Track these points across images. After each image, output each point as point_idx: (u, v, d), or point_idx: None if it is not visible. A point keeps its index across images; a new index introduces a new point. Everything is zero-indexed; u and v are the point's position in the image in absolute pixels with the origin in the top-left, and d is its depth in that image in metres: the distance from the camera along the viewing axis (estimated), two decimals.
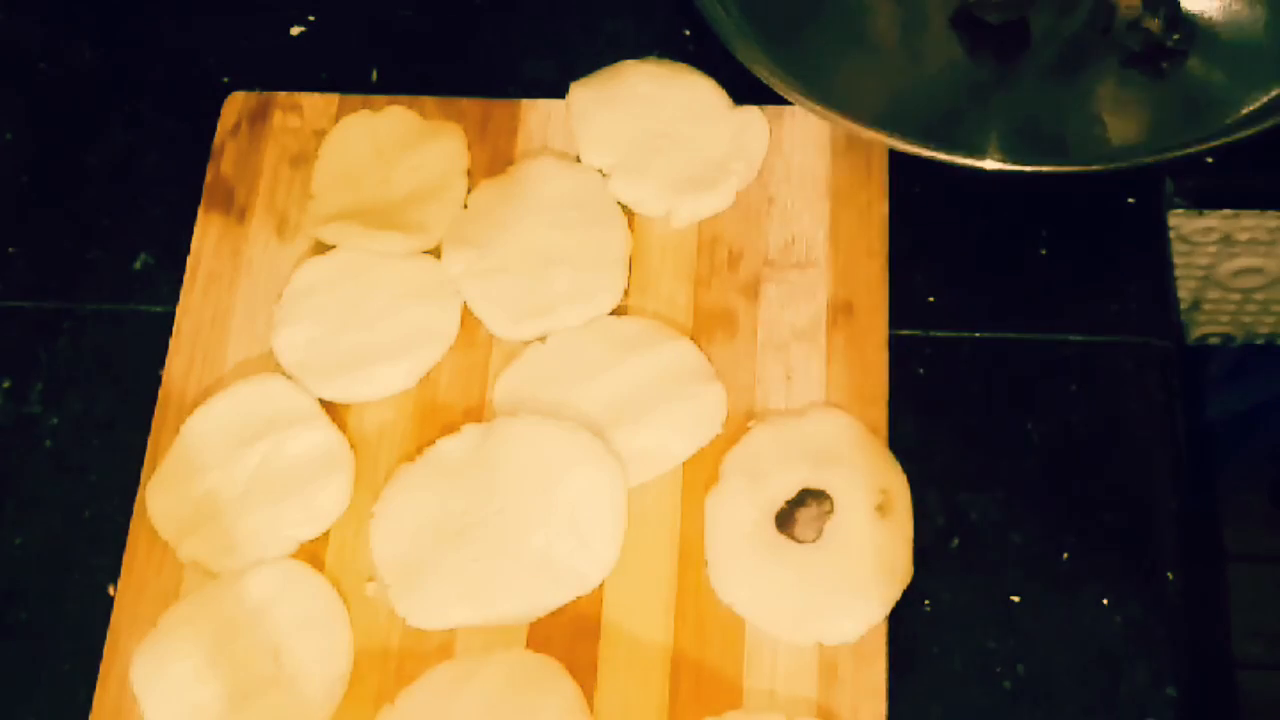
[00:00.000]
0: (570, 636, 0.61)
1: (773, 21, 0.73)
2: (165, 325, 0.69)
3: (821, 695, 0.59)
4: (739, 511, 0.62)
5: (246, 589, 0.62)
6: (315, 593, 0.62)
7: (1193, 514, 0.65)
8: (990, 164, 0.67)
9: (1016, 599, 0.61)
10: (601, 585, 0.62)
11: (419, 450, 0.65)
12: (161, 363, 0.68)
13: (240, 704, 0.60)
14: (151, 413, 0.67)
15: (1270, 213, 0.71)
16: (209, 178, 0.72)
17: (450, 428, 0.65)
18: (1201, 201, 0.71)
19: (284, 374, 0.67)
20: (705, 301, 0.68)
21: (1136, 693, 0.60)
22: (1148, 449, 0.64)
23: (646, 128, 0.71)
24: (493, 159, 0.72)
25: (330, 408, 0.66)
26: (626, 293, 0.68)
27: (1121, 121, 0.73)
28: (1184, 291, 0.77)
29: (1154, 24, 0.71)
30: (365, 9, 0.78)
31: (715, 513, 0.62)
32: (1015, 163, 0.68)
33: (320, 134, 0.73)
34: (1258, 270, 0.76)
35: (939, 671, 0.60)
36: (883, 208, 0.69)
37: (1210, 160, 0.70)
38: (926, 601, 0.61)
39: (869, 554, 0.61)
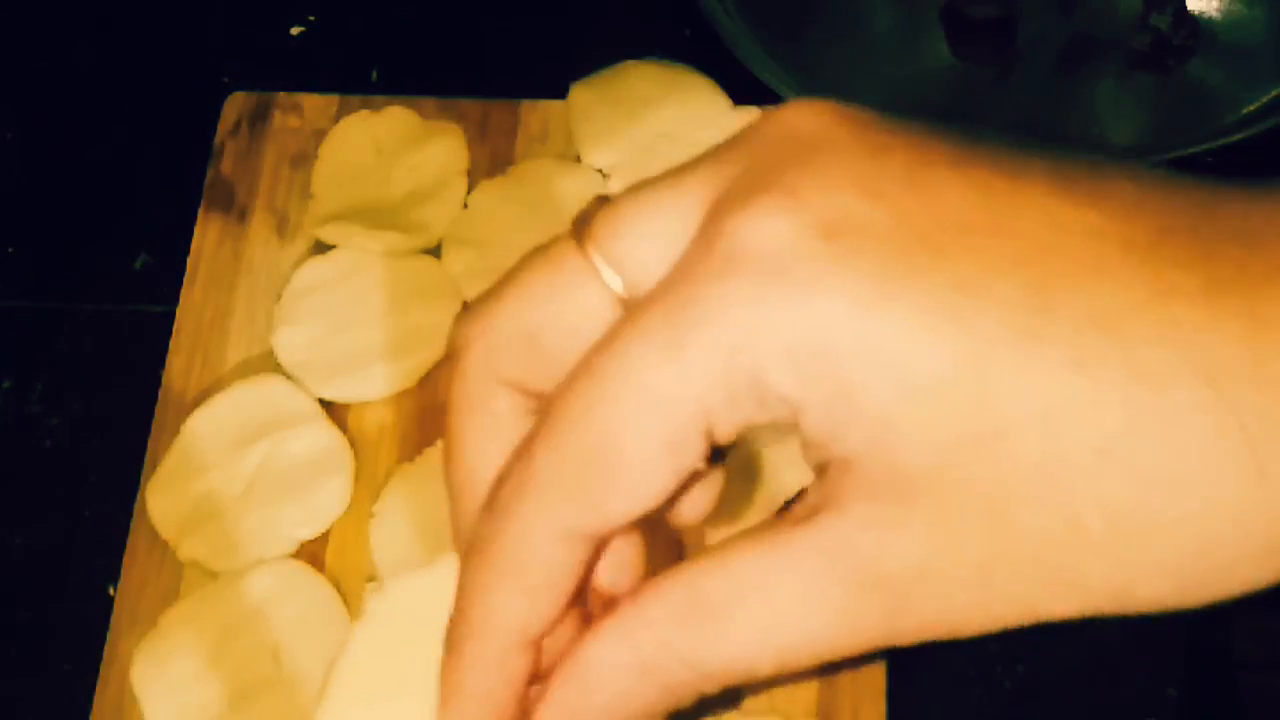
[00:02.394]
0: None
1: (773, 21, 0.73)
2: (165, 325, 0.69)
3: (821, 695, 0.59)
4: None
5: (246, 589, 0.62)
6: (315, 593, 0.62)
7: None
8: None
9: None
10: None
11: (419, 450, 0.65)
12: (161, 363, 0.68)
13: (240, 704, 0.60)
14: (151, 413, 0.66)
15: None
16: (209, 178, 0.72)
17: None
18: None
19: (284, 374, 0.67)
20: None
21: (1136, 693, 0.59)
22: None
23: (646, 128, 0.71)
24: (493, 159, 0.72)
25: (330, 408, 0.66)
26: None
27: (1121, 121, 0.73)
28: None
29: (1162, 22, 0.71)
30: (365, 9, 0.78)
31: (715, 512, 0.62)
32: None
33: (320, 134, 0.73)
34: None
35: (939, 671, 0.60)
36: None
37: (1210, 160, 0.70)
38: None
39: None
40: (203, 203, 0.72)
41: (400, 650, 0.59)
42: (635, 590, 0.34)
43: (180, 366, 0.68)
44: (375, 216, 0.70)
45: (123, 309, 0.71)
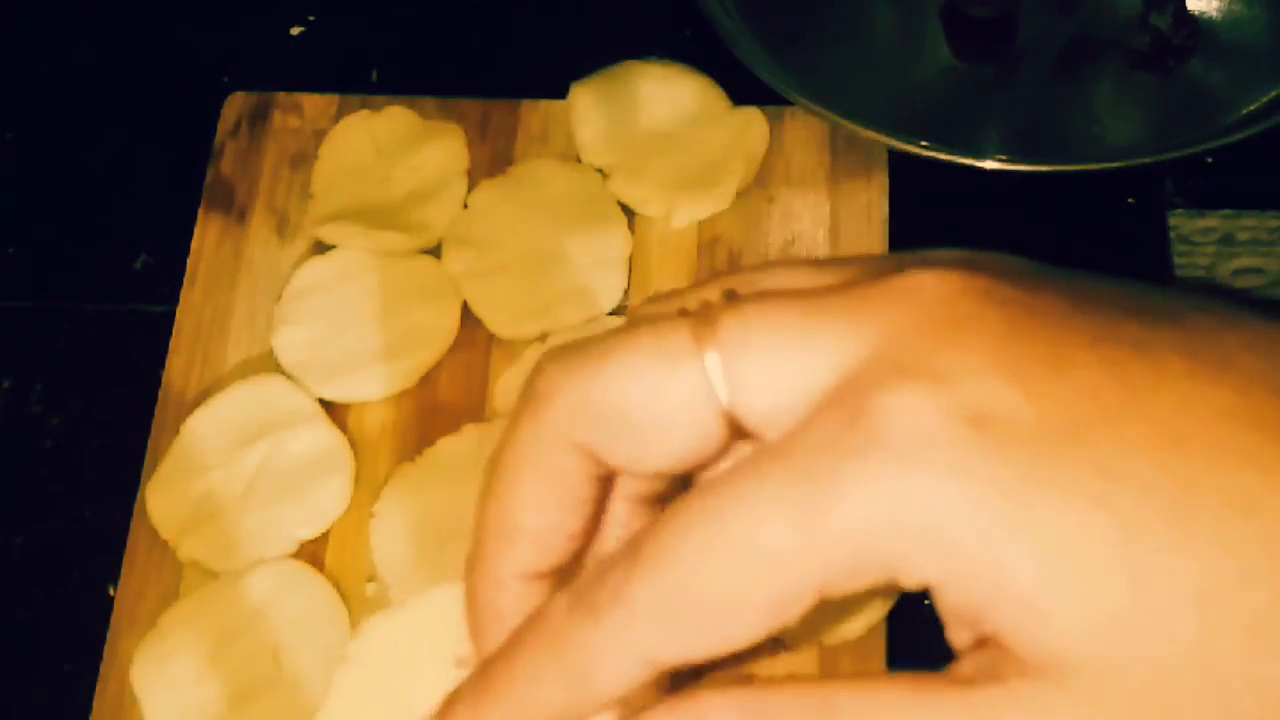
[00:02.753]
0: None
1: (773, 21, 0.73)
2: (165, 325, 0.69)
3: None
4: None
5: (246, 589, 0.62)
6: (315, 593, 0.62)
7: None
8: (990, 164, 0.67)
9: None
10: None
11: (419, 450, 0.65)
12: (161, 363, 0.68)
13: (240, 704, 0.60)
14: (151, 413, 0.67)
15: (1270, 213, 0.71)
16: (209, 178, 0.72)
17: (450, 428, 0.65)
18: (1201, 201, 0.71)
19: (284, 374, 0.67)
20: None
21: None
22: None
23: (646, 128, 0.71)
24: (493, 159, 0.72)
25: (330, 408, 0.66)
26: (626, 293, 0.68)
27: (1121, 121, 0.73)
28: None
29: (1162, 22, 0.71)
30: (365, 9, 0.78)
31: None
32: (1015, 163, 0.68)
33: (320, 134, 0.73)
34: (1258, 270, 0.76)
35: (939, 671, 0.60)
36: (883, 208, 0.69)
37: (1210, 160, 0.70)
38: (926, 601, 0.61)
39: None
40: (203, 203, 0.72)
41: (383, 690, 0.59)
42: (764, 680, 0.34)
43: (180, 366, 0.68)
44: (375, 216, 0.70)
45: (123, 309, 0.71)
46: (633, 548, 0.34)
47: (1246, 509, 0.31)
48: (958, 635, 0.34)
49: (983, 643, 0.33)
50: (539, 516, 0.38)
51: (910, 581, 0.33)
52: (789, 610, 0.33)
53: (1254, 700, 0.31)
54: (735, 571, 0.33)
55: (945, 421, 0.32)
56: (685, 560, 0.33)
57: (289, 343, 0.67)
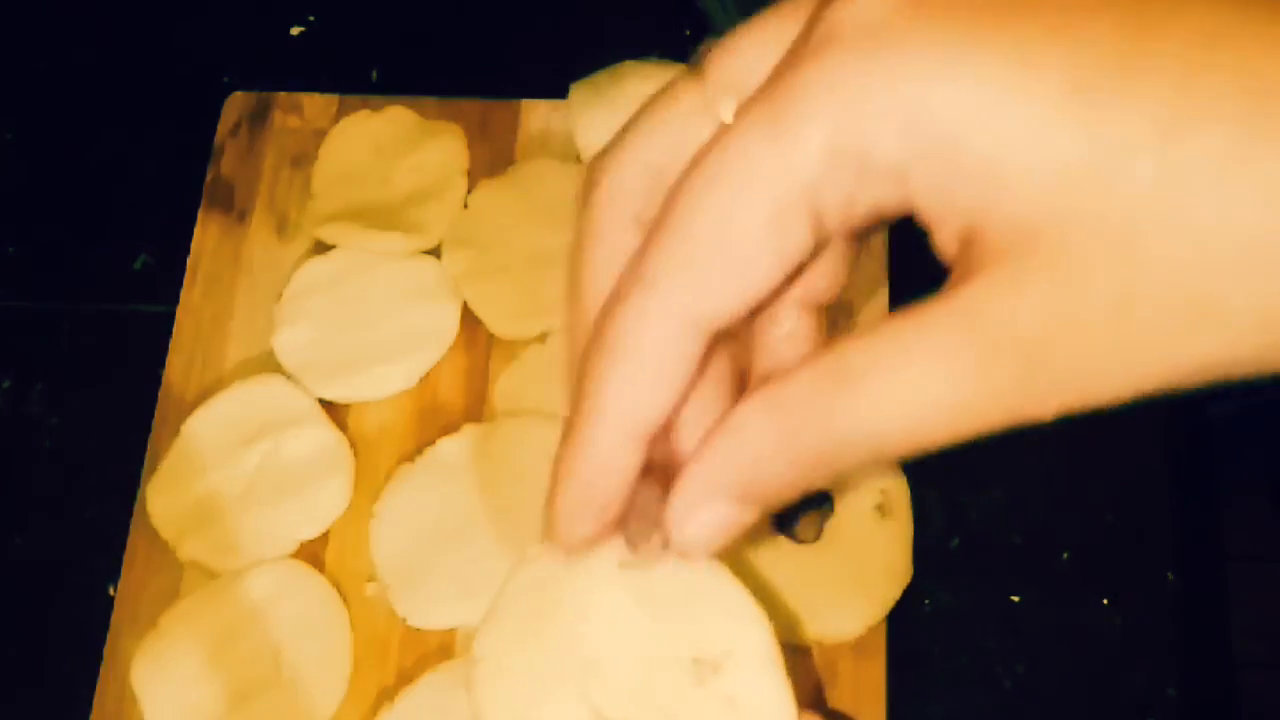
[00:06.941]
0: None
1: None
2: (165, 325, 0.69)
3: (821, 694, 0.59)
4: None
5: (246, 589, 0.62)
6: (315, 593, 0.62)
7: (1193, 514, 0.65)
8: None
9: (1016, 599, 0.61)
10: None
11: (419, 450, 0.65)
12: (161, 363, 0.68)
13: (240, 704, 0.60)
14: (151, 413, 0.67)
15: None
16: (209, 178, 0.72)
17: (450, 428, 0.65)
18: None
19: (284, 374, 0.67)
20: None
21: (1136, 693, 0.60)
22: (1148, 449, 0.64)
23: None
24: (493, 159, 0.72)
25: (330, 408, 0.66)
26: None
27: None
28: None
29: None
30: (365, 9, 0.78)
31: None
32: None
33: (320, 134, 0.73)
34: None
35: (939, 671, 0.60)
36: None
37: None
38: (926, 601, 0.61)
39: (869, 554, 0.61)
40: (203, 203, 0.72)
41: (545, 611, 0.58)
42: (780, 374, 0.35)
43: (180, 366, 0.68)
44: (375, 216, 0.70)
45: (123, 309, 0.71)
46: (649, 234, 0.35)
47: (1215, 47, 0.30)
48: (944, 243, 0.33)
49: (964, 244, 0.32)
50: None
51: (883, 171, 0.32)
52: (788, 232, 0.33)
53: (1229, 241, 0.30)
54: (725, 202, 0.33)
55: (890, 9, 0.32)
56: (684, 212, 0.34)
57: (289, 343, 0.67)
